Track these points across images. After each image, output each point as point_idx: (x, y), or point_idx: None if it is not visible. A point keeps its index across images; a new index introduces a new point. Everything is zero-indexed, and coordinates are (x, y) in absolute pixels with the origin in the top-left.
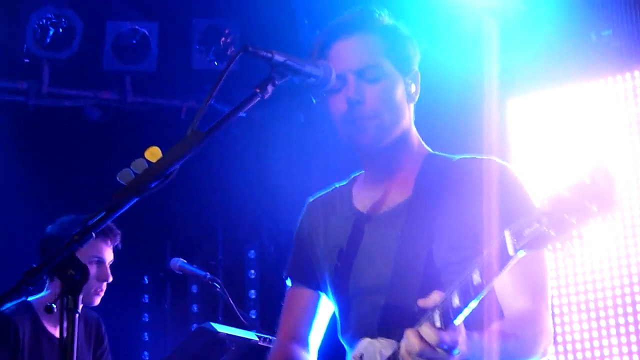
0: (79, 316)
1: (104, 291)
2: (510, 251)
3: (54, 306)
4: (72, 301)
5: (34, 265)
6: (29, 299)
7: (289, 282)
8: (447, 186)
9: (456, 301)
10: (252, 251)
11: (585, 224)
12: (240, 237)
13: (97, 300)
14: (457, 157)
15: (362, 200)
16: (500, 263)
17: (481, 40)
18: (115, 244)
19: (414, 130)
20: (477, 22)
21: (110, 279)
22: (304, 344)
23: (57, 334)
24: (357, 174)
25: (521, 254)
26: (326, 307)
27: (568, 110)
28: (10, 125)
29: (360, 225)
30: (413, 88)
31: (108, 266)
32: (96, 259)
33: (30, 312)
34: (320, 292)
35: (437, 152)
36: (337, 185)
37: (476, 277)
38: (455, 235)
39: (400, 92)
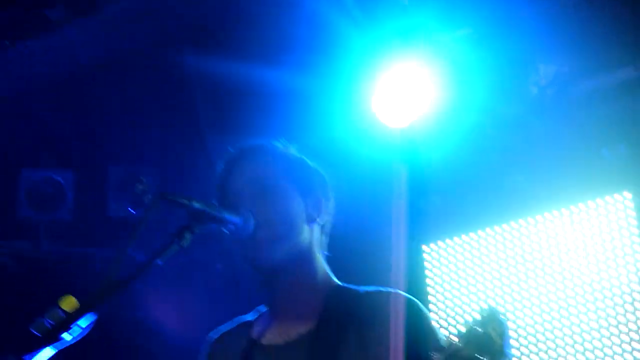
0: None
1: None
2: None
3: None
4: None
5: None
6: None
7: None
8: (352, 320)
9: None
10: None
11: None
12: None
13: None
14: (364, 289)
15: (263, 330)
16: None
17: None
18: None
19: (318, 257)
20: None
21: None
22: None
23: None
24: (263, 308)
25: None
26: None
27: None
28: None
29: (256, 356)
30: (315, 212)
31: None
32: None
33: None
34: None
35: (344, 284)
36: (240, 318)
37: None
38: None
39: (295, 208)
